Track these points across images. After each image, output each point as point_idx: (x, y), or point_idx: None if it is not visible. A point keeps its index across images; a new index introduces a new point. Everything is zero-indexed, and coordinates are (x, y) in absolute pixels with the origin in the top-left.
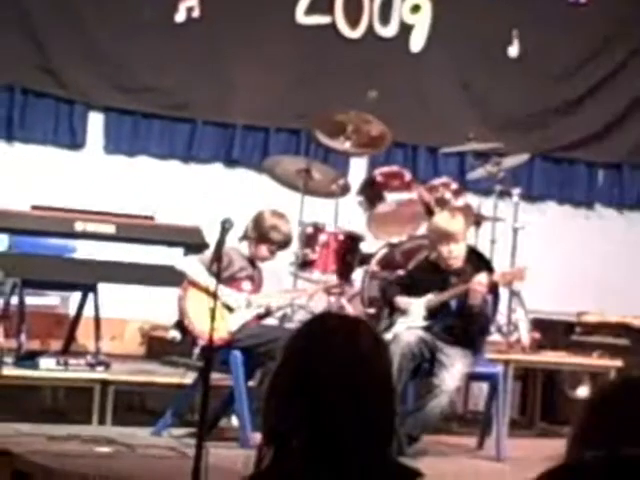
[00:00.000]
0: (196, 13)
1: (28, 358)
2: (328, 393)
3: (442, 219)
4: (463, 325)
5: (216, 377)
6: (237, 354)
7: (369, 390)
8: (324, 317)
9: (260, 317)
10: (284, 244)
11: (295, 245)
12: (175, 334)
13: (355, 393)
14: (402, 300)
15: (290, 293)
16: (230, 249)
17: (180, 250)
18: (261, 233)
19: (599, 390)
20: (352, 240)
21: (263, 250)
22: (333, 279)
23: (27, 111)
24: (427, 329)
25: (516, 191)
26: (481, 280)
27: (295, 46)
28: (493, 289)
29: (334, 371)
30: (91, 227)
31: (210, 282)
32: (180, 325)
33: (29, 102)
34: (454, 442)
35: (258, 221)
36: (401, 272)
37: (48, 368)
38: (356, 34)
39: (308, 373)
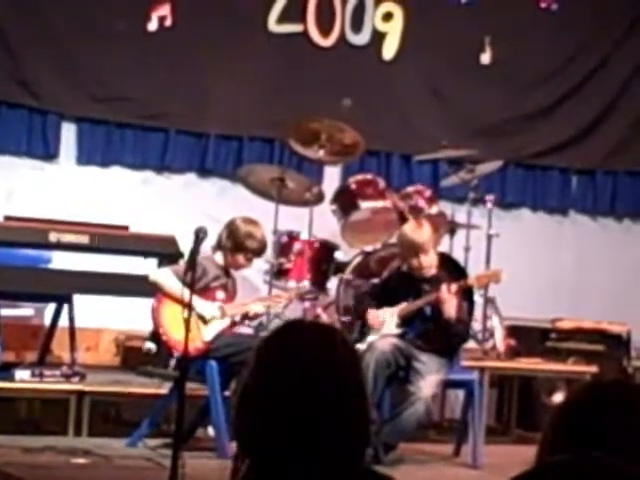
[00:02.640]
0: (168, 22)
1: (3, 370)
2: (302, 404)
3: (409, 230)
4: (442, 335)
5: (192, 387)
6: (213, 364)
7: (344, 400)
8: (297, 325)
9: (235, 324)
10: (260, 251)
11: (270, 254)
12: (150, 346)
13: (330, 403)
14: (373, 315)
15: (264, 301)
16: (203, 258)
17: (154, 260)
18: (236, 242)
19: (568, 395)
20: (327, 248)
21: (240, 259)
22: (305, 286)
23: (0, 122)
24: (401, 337)
25: (490, 198)
26: (450, 288)
27: (268, 55)
28: (468, 295)
29: (307, 381)
30: (65, 237)
31: (184, 293)
32: (155, 336)
33: (2, 113)
34: (431, 450)
35: (232, 230)
36: (375, 280)
37: (23, 380)
38: (328, 42)
39: (281, 384)
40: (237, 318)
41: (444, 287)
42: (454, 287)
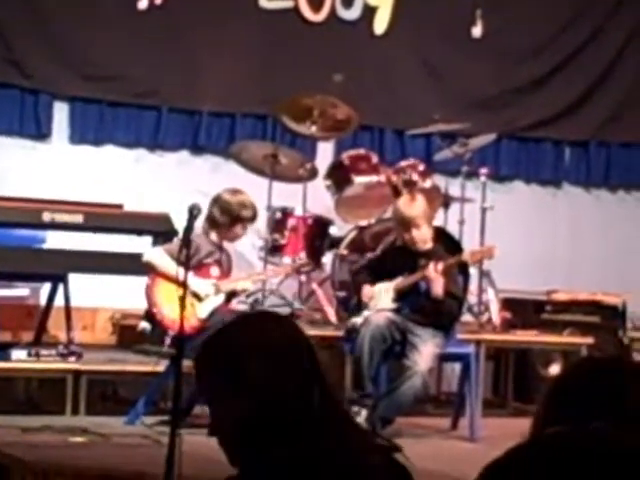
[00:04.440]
0: (158, 0)
1: None
2: (261, 391)
3: (402, 204)
4: (433, 309)
5: (188, 364)
6: None
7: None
8: (243, 318)
9: (230, 300)
10: (254, 217)
11: (264, 230)
12: (145, 325)
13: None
14: (368, 290)
15: (260, 275)
16: (196, 236)
17: (149, 238)
18: (232, 216)
19: (564, 368)
20: (321, 224)
21: (238, 230)
22: (302, 258)
23: None
24: (397, 311)
25: (483, 171)
26: (437, 267)
27: (259, 31)
28: (463, 268)
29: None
30: (59, 217)
31: (178, 271)
32: (149, 315)
33: None
34: (428, 423)
35: (223, 205)
36: (370, 255)
37: (20, 359)
38: (319, 18)
39: (237, 371)
40: (233, 295)
41: (431, 266)
42: (440, 266)
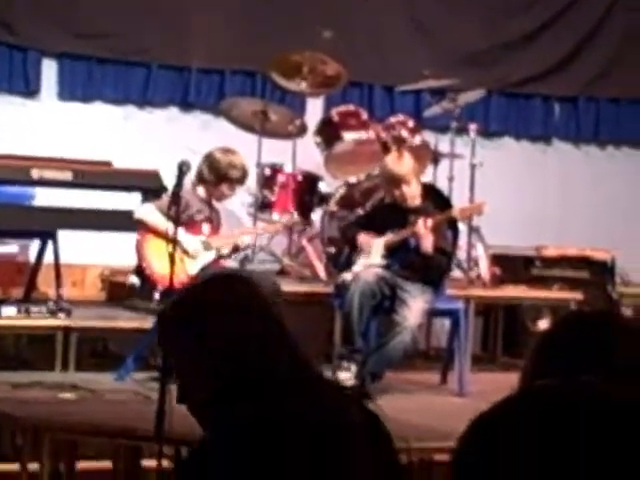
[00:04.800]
0: None
1: None
2: (225, 349)
3: (390, 162)
4: (423, 265)
5: None
6: None
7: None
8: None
9: (221, 257)
10: (242, 179)
11: (253, 187)
12: (134, 280)
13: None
14: (364, 238)
15: (250, 232)
16: (186, 192)
17: (138, 195)
18: (219, 174)
19: (551, 324)
20: (310, 180)
21: (224, 189)
22: (294, 217)
23: None
24: (386, 267)
25: (473, 127)
26: (426, 223)
27: None
28: (452, 224)
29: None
30: (48, 174)
31: (168, 227)
32: (139, 270)
33: None
34: (417, 378)
35: (212, 163)
36: (360, 211)
37: (9, 316)
38: None
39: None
40: (225, 251)
41: (420, 222)
42: (430, 222)
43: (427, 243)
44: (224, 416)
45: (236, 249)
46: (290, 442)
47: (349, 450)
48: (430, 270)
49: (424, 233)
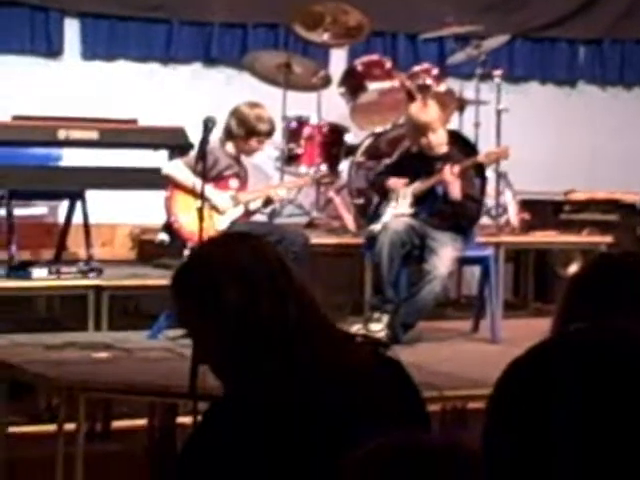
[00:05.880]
0: None
1: (20, 269)
2: (235, 312)
3: (415, 110)
4: (451, 212)
5: None
6: None
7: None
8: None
9: (249, 212)
10: (271, 132)
11: (280, 140)
12: (163, 237)
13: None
14: (394, 182)
15: (280, 187)
16: (214, 148)
17: (165, 152)
18: (248, 128)
19: (581, 268)
20: (337, 132)
21: (253, 143)
22: (322, 170)
23: (1, 22)
24: (415, 216)
25: (497, 73)
26: (453, 169)
27: None
28: (479, 171)
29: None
30: (74, 134)
31: (197, 183)
32: (168, 227)
33: (2, 13)
34: (449, 327)
35: (240, 117)
36: (387, 161)
37: (41, 278)
38: None
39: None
40: (254, 205)
41: (447, 169)
42: (456, 168)
43: (455, 190)
44: (242, 375)
45: (269, 201)
46: (303, 403)
47: (370, 401)
48: (459, 217)
49: (451, 180)
